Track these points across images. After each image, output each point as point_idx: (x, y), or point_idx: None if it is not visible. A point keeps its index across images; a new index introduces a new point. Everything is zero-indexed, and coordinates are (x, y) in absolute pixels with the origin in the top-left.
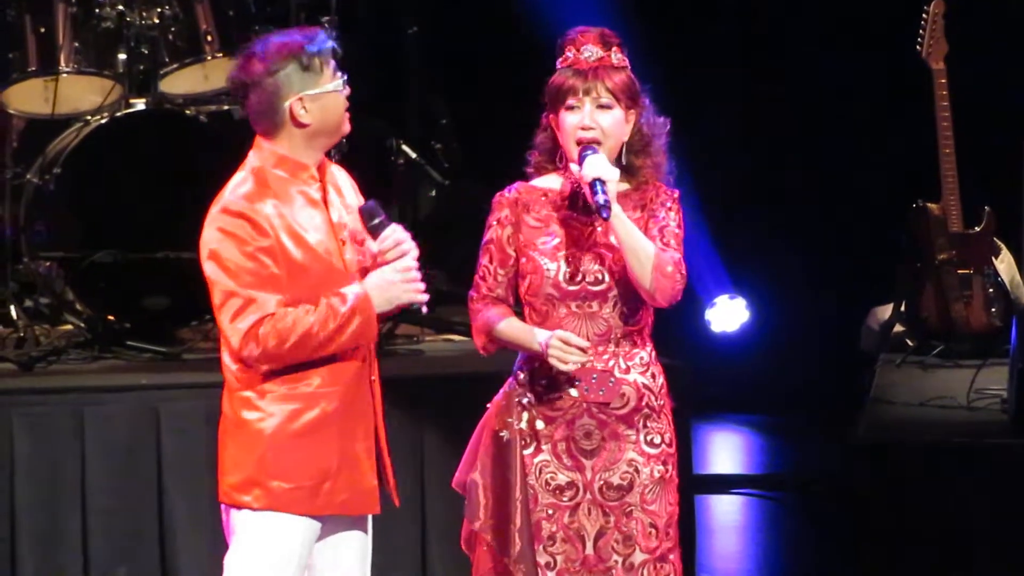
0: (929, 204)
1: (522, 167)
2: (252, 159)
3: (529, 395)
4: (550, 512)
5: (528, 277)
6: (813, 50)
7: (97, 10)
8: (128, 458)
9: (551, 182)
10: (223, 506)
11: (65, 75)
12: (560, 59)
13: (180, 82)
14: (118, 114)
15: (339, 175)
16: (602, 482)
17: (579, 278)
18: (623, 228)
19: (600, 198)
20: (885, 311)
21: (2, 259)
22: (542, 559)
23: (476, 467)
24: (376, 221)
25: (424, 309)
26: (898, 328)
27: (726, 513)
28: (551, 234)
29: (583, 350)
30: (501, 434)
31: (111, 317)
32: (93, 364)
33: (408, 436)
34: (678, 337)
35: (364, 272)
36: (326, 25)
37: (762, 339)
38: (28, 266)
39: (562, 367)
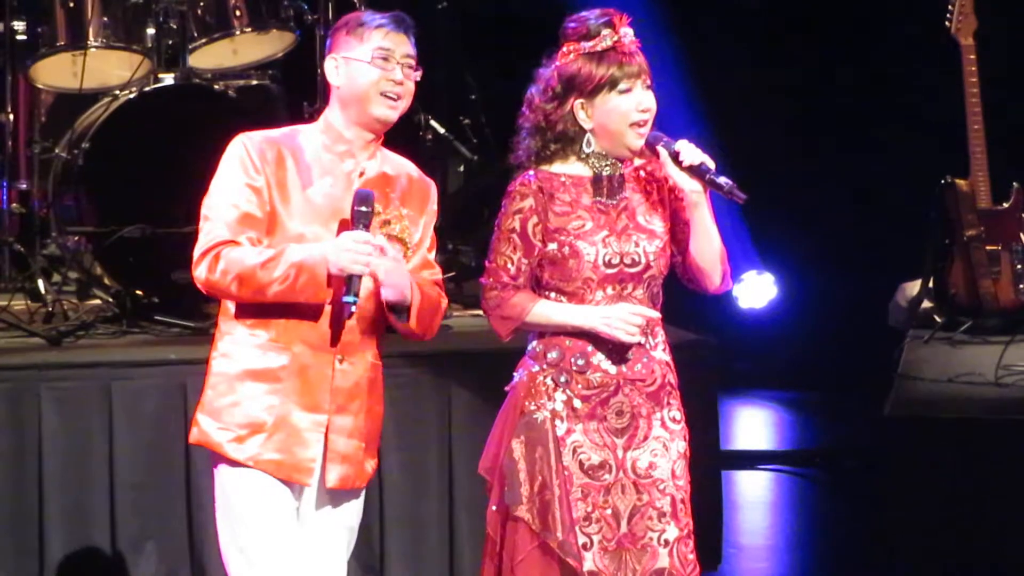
0: (957, 180)
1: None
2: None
3: (564, 374)
4: (584, 492)
5: (561, 263)
6: (840, 25)
7: None
8: (156, 433)
9: (566, 168)
10: None
11: (93, 49)
12: (591, 42)
13: (209, 57)
14: (146, 89)
15: (403, 178)
16: (632, 460)
17: (617, 261)
18: (709, 213)
19: (724, 180)
20: (913, 287)
21: (31, 234)
22: (579, 539)
23: (508, 451)
24: (363, 209)
25: (352, 309)
26: (926, 304)
27: (754, 489)
28: (581, 218)
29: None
30: (535, 416)
31: (139, 292)
32: (121, 339)
33: (436, 411)
34: (706, 313)
35: None
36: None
37: (790, 315)
38: (56, 241)
39: (626, 339)
